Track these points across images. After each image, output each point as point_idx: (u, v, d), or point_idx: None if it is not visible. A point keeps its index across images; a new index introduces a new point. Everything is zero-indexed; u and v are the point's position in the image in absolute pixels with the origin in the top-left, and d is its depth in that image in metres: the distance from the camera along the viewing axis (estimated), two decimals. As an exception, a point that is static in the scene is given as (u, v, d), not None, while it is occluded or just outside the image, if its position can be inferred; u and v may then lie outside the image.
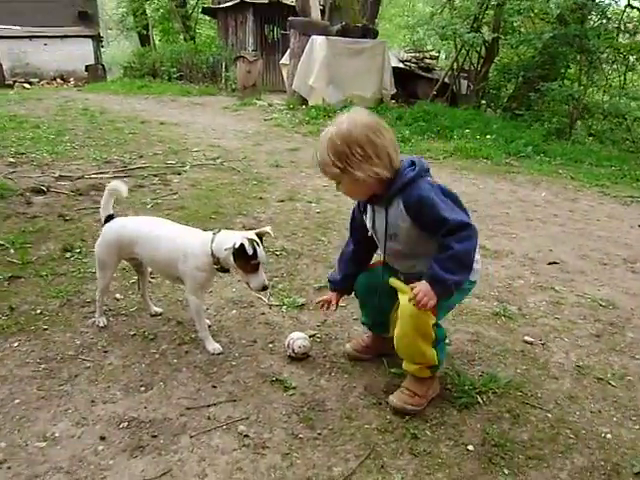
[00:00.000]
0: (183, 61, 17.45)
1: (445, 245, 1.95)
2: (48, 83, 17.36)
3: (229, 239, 2.29)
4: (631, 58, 11.41)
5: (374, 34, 12.37)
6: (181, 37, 23.25)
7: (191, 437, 1.97)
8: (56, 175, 5.29)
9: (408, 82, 12.81)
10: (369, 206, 2.22)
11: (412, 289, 1.96)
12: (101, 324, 2.68)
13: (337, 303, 2.48)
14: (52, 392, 2.18)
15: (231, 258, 2.29)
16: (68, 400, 2.14)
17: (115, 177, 5.03)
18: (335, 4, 12.36)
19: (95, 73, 18.16)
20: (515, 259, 3.91)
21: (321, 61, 10.70)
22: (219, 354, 2.49)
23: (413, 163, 2.07)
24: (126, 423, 2.02)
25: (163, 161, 6.20)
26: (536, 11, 11.74)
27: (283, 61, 12.61)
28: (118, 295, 3.01)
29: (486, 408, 2.21)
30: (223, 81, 16.28)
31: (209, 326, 2.61)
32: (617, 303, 3.28)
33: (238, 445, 1.94)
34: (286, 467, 1.85)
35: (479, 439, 2.03)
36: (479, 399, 2.25)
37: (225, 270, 2.44)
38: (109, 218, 2.64)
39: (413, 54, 13.68)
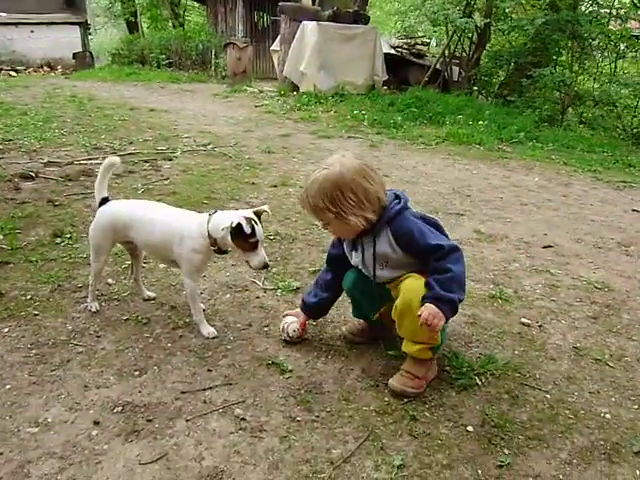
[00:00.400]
0: (172, 48, 17.26)
1: (442, 268, 2.02)
2: (35, 71, 17.08)
3: (226, 219, 2.24)
4: (622, 45, 11.40)
5: (365, 20, 12.26)
6: (170, 24, 22.97)
7: (187, 421, 1.94)
8: (45, 161, 5.20)
9: (399, 68, 12.73)
10: (361, 239, 2.19)
11: (419, 315, 1.97)
12: (93, 309, 2.63)
13: (303, 327, 2.46)
14: (44, 377, 2.14)
15: (229, 238, 2.25)
16: (60, 385, 2.10)
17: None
18: (326, -11, 12.25)
19: (83, 60, 17.88)
20: (510, 243, 3.90)
21: (312, 47, 10.59)
22: (214, 338, 2.46)
23: (397, 197, 2.14)
24: (120, 408, 1.99)
25: (153, 147, 6.12)
26: (528, -3, 11.70)
27: (274, 47, 12.47)
28: (110, 280, 2.96)
29: (485, 389, 2.19)
30: (213, 68, 16.13)
31: (203, 310, 2.57)
32: (612, 285, 3.27)
33: (235, 428, 1.91)
34: (284, 450, 1.83)
35: (478, 420, 2.01)
36: (477, 380, 2.23)
37: (223, 252, 2.40)
38: (104, 201, 2.58)
39: (404, 40, 13.59)
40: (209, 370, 2.24)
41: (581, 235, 4.19)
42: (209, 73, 15.93)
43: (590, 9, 11.20)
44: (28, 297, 2.73)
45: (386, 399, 2.11)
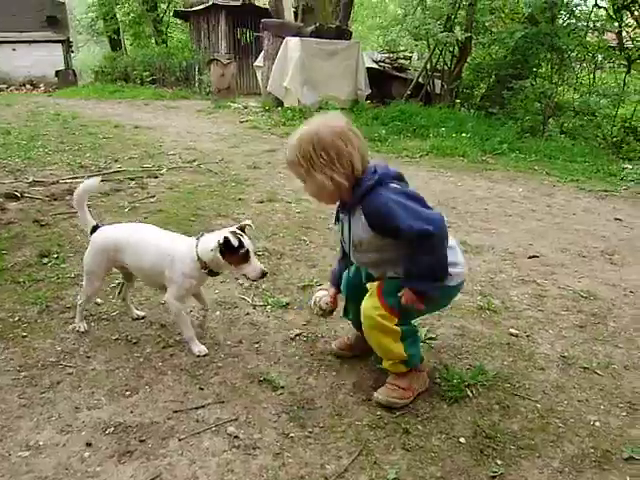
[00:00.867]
0: (155, 65, 17.34)
1: (413, 259, 1.97)
2: (17, 89, 17.04)
3: (212, 239, 2.28)
4: (599, 57, 11.63)
5: (348, 35, 12.39)
6: (153, 41, 23.05)
7: (180, 440, 1.93)
8: (30, 180, 5.18)
9: (382, 82, 12.85)
10: (341, 214, 2.20)
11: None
12: (82, 329, 2.62)
13: (334, 299, 2.45)
14: (34, 400, 2.12)
15: (219, 257, 2.27)
16: (51, 407, 2.08)
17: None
18: (308, 6, 12.35)
19: (66, 78, 17.88)
20: (496, 254, 3.94)
21: (295, 62, 10.67)
22: (205, 356, 2.45)
23: (375, 171, 2.03)
24: (112, 428, 1.98)
25: (139, 165, 6.11)
26: (507, 11, 11.89)
27: (257, 63, 12.55)
28: (99, 300, 2.94)
29: (475, 401, 2.21)
30: (197, 84, 16.19)
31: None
32: (598, 294, 3.32)
33: (228, 446, 1.91)
34: (278, 467, 1.83)
35: (470, 431, 2.03)
36: (468, 392, 2.25)
37: (215, 273, 2.42)
38: (95, 229, 2.58)
39: (387, 55, 13.75)
40: (201, 388, 2.23)
41: (565, 245, 4.24)
42: (193, 89, 16.00)
43: (568, 22, 11.43)
44: (16, 318, 2.71)
45: (378, 413, 2.12)
